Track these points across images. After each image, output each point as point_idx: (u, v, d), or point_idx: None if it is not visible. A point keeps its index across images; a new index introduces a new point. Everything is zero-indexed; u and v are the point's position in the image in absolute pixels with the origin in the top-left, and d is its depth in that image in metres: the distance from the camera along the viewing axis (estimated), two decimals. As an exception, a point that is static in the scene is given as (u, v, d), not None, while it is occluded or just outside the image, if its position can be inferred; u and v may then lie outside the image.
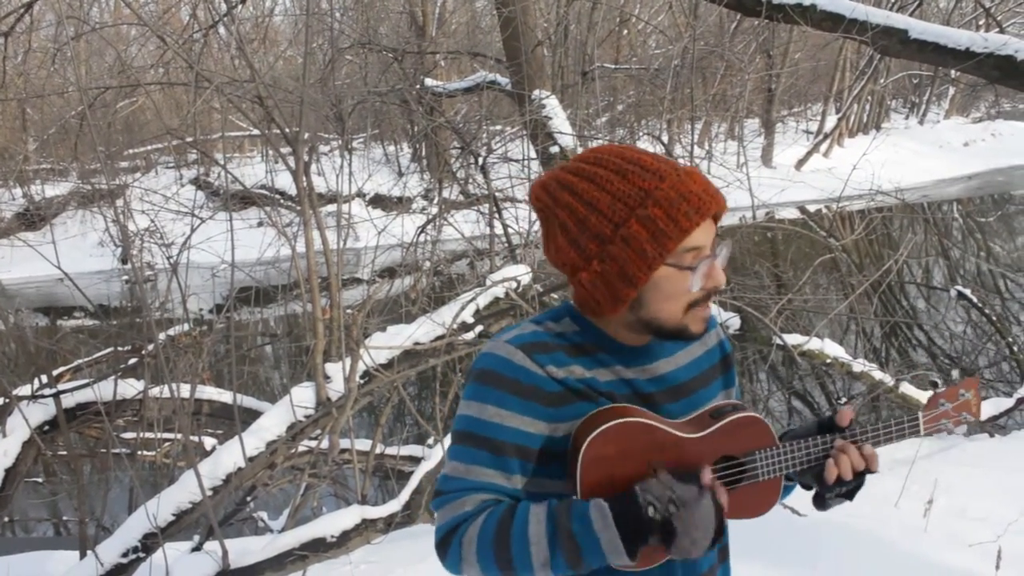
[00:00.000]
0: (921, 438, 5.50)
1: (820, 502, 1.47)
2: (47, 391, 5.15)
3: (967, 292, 7.77)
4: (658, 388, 1.41)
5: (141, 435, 5.72)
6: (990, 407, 6.18)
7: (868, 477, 1.45)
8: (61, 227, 18.44)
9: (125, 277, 16.31)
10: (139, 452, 5.93)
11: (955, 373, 8.22)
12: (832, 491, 1.42)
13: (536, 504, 1.27)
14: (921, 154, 26.18)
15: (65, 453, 5.91)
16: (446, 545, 1.31)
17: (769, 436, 1.40)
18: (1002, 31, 10.80)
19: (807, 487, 1.50)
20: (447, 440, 4.81)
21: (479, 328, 5.32)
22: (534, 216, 7.33)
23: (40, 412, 5.12)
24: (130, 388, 5.33)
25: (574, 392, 1.33)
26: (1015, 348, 7.39)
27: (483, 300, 5.36)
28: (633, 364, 1.40)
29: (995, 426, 6.12)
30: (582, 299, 1.38)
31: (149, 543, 4.14)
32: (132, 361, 6.02)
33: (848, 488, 1.43)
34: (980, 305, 7.67)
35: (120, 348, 6.19)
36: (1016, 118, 34.38)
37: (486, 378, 1.34)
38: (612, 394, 1.35)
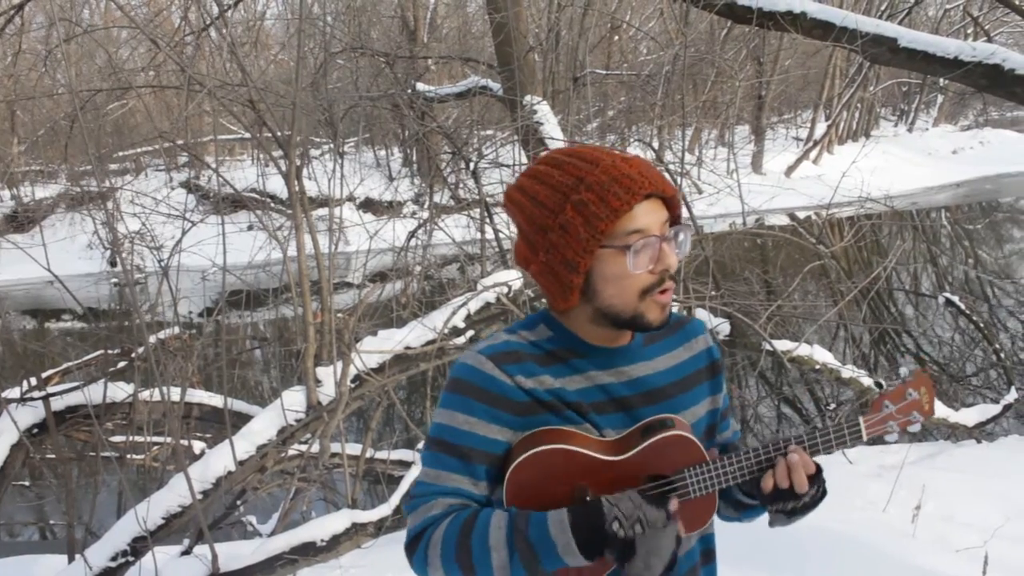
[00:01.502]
0: (901, 443, 5.52)
1: (770, 517, 1.44)
2: (36, 394, 5.13)
3: (955, 299, 7.81)
4: (634, 392, 1.40)
5: (130, 438, 5.71)
6: (977, 414, 6.23)
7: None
8: (49, 229, 18.37)
9: (114, 280, 16.26)
10: (128, 455, 5.91)
11: (944, 379, 8.27)
12: (776, 504, 1.38)
13: (499, 512, 1.29)
14: (910, 161, 26.33)
15: (53, 456, 5.88)
16: (414, 547, 1.34)
17: (699, 454, 1.38)
18: (990, 40, 10.89)
19: (757, 505, 1.46)
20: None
21: (470, 333, 5.33)
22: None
23: (29, 415, 5.10)
24: (120, 391, 5.32)
25: (541, 403, 1.34)
26: (1002, 355, 7.44)
27: (474, 305, 5.37)
28: (608, 367, 1.39)
29: (982, 432, 6.16)
30: (547, 296, 1.40)
31: (138, 547, 4.13)
32: (122, 364, 6.01)
33: (799, 503, 1.38)
34: (968, 312, 7.72)
35: (110, 351, 6.17)
36: (1004, 126, 34.63)
37: (457, 387, 1.36)
38: (580, 404, 1.35)
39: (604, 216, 1.27)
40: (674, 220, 1.36)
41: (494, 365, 1.35)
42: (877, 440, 1.45)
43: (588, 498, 1.29)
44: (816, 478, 1.38)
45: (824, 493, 1.41)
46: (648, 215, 1.31)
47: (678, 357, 1.49)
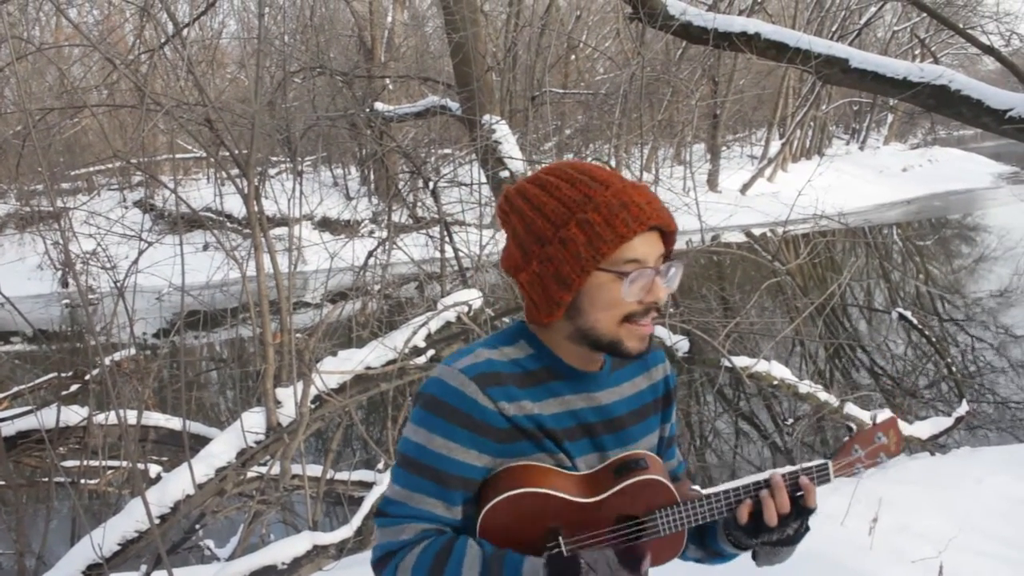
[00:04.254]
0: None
1: (754, 554, 1.47)
2: (-14, 419, 5.02)
3: (908, 314, 7.98)
4: (599, 419, 1.41)
5: (85, 463, 5.59)
6: (930, 426, 6.35)
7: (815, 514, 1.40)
8: (-3, 250, 18.04)
9: (66, 301, 15.97)
10: (82, 481, 5.79)
11: (897, 393, 8.42)
12: (758, 538, 1.40)
13: (473, 545, 1.28)
14: (862, 179, 26.88)
15: (3, 483, 5.74)
16: (382, 566, 1.33)
17: (670, 496, 1.40)
18: (936, 62, 11.17)
19: (739, 543, 1.47)
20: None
21: (431, 352, 5.32)
22: (485, 240, 7.38)
23: (-22, 441, 4.98)
24: (73, 415, 5.21)
25: (521, 431, 1.33)
26: (953, 368, 7.60)
27: (435, 324, 5.35)
28: (581, 391, 1.40)
29: (936, 445, 6.27)
30: (527, 307, 1.39)
31: (93, 574, 4.04)
32: (75, 387, 5.89)
33: (783, 535, 1.40)
34: (920, 327, 7.88)
35: (62, 374, 6.06)
36: (951, 145, 35.57)
37: (437, 407, 1.31)
38: (555, 432, 1.35)
39: (608, 239, 1.27)
40: (667, 255, 1.36)
41: (478, 388, 1.31)
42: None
43: (562, 539, 1.31)
44: (803, 513, 1.39)
45: (807, 529, 1.42)
46: (646, 246, 1.31)
47: (638, 386, 1.50)
